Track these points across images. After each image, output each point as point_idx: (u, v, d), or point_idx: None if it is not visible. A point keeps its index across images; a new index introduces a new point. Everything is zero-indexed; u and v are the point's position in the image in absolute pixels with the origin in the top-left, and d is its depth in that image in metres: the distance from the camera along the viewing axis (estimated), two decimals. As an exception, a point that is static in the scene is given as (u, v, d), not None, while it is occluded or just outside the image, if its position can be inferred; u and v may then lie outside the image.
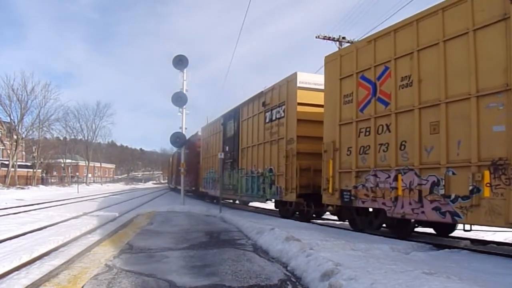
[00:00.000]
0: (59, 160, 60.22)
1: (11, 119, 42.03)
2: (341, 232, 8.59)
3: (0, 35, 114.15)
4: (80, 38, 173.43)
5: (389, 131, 7.41)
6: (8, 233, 8.65)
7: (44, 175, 55.64)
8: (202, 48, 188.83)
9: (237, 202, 20.07)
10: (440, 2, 6.60)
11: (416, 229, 8.29)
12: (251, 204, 18.55)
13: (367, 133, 7.93)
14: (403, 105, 7.16)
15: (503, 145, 5.49)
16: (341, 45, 21.26)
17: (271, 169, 12.16)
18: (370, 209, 8.19)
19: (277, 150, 11.77)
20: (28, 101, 41.96)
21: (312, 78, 11.16)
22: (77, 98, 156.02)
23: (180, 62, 17.47)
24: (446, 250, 6.42)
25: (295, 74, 11.08)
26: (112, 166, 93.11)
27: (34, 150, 49.70)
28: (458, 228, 7.71)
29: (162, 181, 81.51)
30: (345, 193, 8.46)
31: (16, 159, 42.30)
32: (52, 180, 56.28)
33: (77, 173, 65.42)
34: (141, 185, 67.88)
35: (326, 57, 9.55)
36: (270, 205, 15.76)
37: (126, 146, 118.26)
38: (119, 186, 56.83)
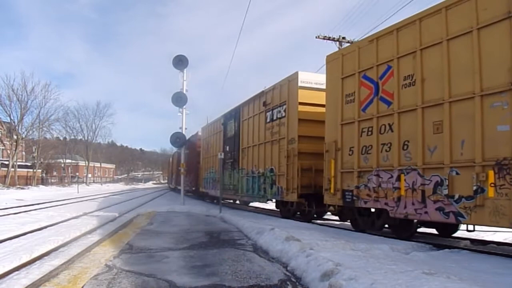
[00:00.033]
0: (59, 160, 60.20)
1: (11, 119, 42.07)
2: (341, 232, 8.57)
3: (0, 35, 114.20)
4: (80, 38, 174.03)
5: (392, 131, 7.35)
6: (8, 233, 8.61)
7: (44, 175, 55.59)
8: (202, 48, 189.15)
9: (237, 202, 20.01)
10: (443, 0, 6.54)
11: (418, 230, 8.23)
12: (251, 204, 18.49)
13: (370, 133, 7.87)
14: (406, 105, 7.10)
15: (508, 144, 5.43)
16: (341, 45, 21.27)
17: (272, 169, 12.10)
18: (372, 210, 8.13)
19: (278, 150, 11.71)
20: (28, 101, 42.06)
21: (313, 78, 11.10)
22: (77, 98, 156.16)
23: (180, 62, 17.45)
24: (446, 250, 6.40)
25: (296, 73, 11.02)
26: (112, 166, 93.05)
27: (34, 150, 49.69)
28: (460, 228, 7.69)
29: (162, 181, 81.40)
30: (347, 193, 8.40)
31: (16, 159, 42.24)
32: (52, 180, 56.22)
33: (77, 173, 65.44)
34: (141, 185, 67.80)
35: (327, 56, 9.50)
36: (270, 205, 15.73)
37: (126, 146, 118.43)
38: (119, 186, 56.75)
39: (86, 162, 62.48)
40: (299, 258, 5.08)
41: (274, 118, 12.15)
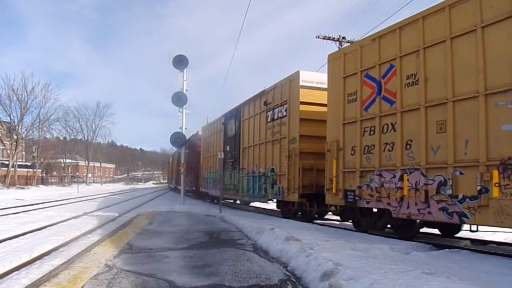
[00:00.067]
0: (59, 160, 60.10)
1: (11, 119, 42.08)
2: (341, 232, 8.56)
3: (0, 35, 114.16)
4: (80, 38, 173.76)
5: (395, 130, 7.29)
6: (8, 233, 8.57)
7: (44, 175, 55.56)
8: (202, 48, 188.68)
9: (238, 202, 19.96)
10: (446, -1, 6.49)
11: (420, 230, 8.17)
12: (251, 204, 18.44)
13: (372, 132, 7.81)
14: (409, 104, 7.05)
15: (513, 144, 5.37)
16: (341, 45, 21.30)
17: (273, 169, 12.04)
18: (375, 210, 8.07)
19: (279, 149, 11.65)
20: (28, 101, 42.10)
21: (314, 77, 11.05)
22: (77, 98, 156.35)
23: (180, 62, 17.42)
24: (446, 250, 6.38)
25: (298, 72, 10.96)
26: (112, 166, 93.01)
27: (34, 150, 49.66)
28: (463, 229, 7.64)
29: (162, 181, 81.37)
30: (349, 193, 8.34)
31: (16, 159, 42.22)
32: (52, 180, 56.18)
33: (77, 173, 65.37)
34: (141, 185, 67.74)
35: (329, 55, 9.44)
36: (270, 205, 15.69)
37: (126, 146, 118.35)
38: (119, 186, 56.70)
39: (86, 162, 62.47)
40: (299, 258, 5.07)
41: (275, 117, 12.10)
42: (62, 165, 62.74)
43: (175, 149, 27.13)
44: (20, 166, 45.45)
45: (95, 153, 67.20)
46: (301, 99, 10.72)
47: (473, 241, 7.50)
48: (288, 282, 4.35)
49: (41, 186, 43.02)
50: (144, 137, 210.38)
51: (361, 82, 8.20)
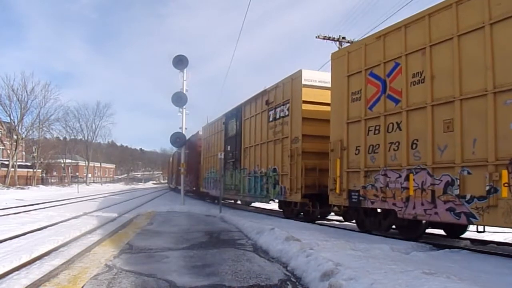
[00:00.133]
0: (59, 160, 60.00)
1: (11, 119, 41.98)
2: (341, 232, 8.54)
3: (0, 35, 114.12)
4: (80, 38, 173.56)
5: (400, 129, 7.18)
6: (8, 233, 8.56)
7: (44, 175, 55.46)
8: (202, 48, 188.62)
9: (238, 202, 19.85)
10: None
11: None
12: (252, 204, 18.34)
13: (377, 132, 7.70)
14: (414, 102, 6.93)
15: (522, 143, 5.26)
16: (341, 45, 21.35)
17: (275, 168, 11.93)
18: (379, 210, 7.95)
19: (281, 149, 11.54)
20: (28, 101, 41.98)
21: (317, 76, 10.94)
22: (77, 98, 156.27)
23: (180, 62, 17.36)
24: (446, 250, 6.35)
25: (300, 71, 10.85)
26: (112, 166, 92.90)
27: (34, 150, 49.56)
28: (469, 229, 7.54)
29: (162, 181, 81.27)
30: (353, 193, 8.22)
31: (16, 159, 42.13)
32: (52, 180, 56.09)
33: (77, 173, 65.25)
34: (141, 185, 67.65)
35: (332, 53, 9.34)
36: (271, 205, 15.61)
37: (126, 146, 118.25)
38: (119, 186, 56.61)
39: (86, 162, 62.37)
40: (299, 258, 5.07)
41: (277, 117, 11.98)
42: (62, 165, 62.65)
43: (175, 149, 27.03)
44: (20, 166, 45.35)
45: (95, 153, 67.10)
46: (304, 98, 10.60)
47: (473, 241, 7.47)
48: (288, 282, 4.35)
49: (41, 186, 42.92)
50: (144, 137, 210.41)
51: (365, 81, 8.09)
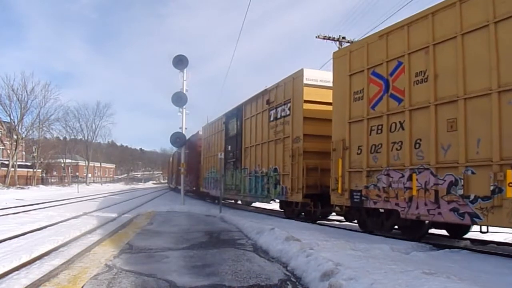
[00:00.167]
0: (59, 160, 59.96)
1: (11, 119, 41.94)
2: (341, 232, 8.51)
3: (0, 35, 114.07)
4: (80, 38, 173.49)
5: (403, 129, 7.12)
6: (8, 233, 8.53)
7: (44, 175, 55.42)
8: (202, 48, 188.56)
9: (239, 202, 19.79)
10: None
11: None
12: (252, 204, 18.28)
13: (379, 131, 7.64)
14: (417, 102, 6.87)
15: (528, 142, 5.21)
16: (341, 45, 21.37)
17: (275, 168, 11.87)
18: (381, 210, 7.89)
19: (282, 149, 11.48)
20: (28, 101, 41.96)
21: (318, 75, 10.88)
22: (77, 98, 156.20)
23: (180, 62, 17.31)
24: (446, 250, 6.32)
25: (301, 70, 10.79)
26: (112, 166, 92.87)
27: (34, 150, 49.53)
28: (471, 229, 7.50)
29: (162, 181, 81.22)
30: (355, 193, 8.16)
31: (16, 159, 42.08)
32: (52, 180, 56.05)
33: (77, 173, 65.20)
34: (141, 185, 67.59)
35: (334, 53, 9.29)
36: (271, 205, 15.55)
37: (126, 146, 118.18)
38: (119, 186, 56.55)
39: (86, 162, 62.33)
40: (299, 258, 5.06)
41: (278, 116, 11.92)
42: (62, 165, 62.60)
43: (175, 149, 26.99)
44: (20, 166, 45.30)
45: (95, 153, 67.06)
46: (305, 98, 10.54)
47: (473, 241, 7.44)
48: (288, 282, 4.33)
49: (41, 186, 42.88)
50: (144, 137, 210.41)
51: (367, 80, 8.03)
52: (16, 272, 5.32)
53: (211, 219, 11.65)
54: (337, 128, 8.83)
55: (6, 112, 41.07)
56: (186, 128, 17.80)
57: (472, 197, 5.83)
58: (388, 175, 7.35)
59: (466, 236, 7.76)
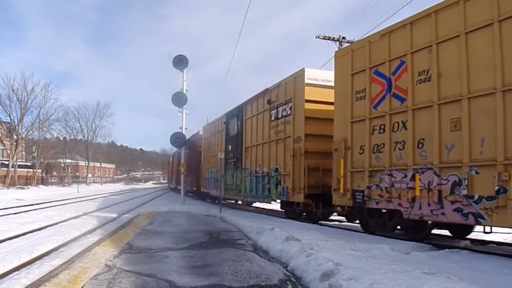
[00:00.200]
0: (59, 160, 59.91)
1: (11, 119, 41.91)
2: (341, 232, 8.50)
3: (0, 35, 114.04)
4: (80, 38, 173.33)
5: (406, 129, 7.06)
6: (8, 233, 8.51)
7: (44, 175, 55.38)
8: (202, 48, 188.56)
9: (239, 202, 19.74)
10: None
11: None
12: (253, 204, 18.23)
13: (382, 131, 7.58)
14: (421, 101, 6.81)
15: (533, 142, 5.15)
16: (341, 45, 21.38)
17: (276, 168, 11.81)
18: (384, 210, 7.83)
19: (283, 149, 11.42)
20: (28, 101, 41.92)
21: (320, 74, 10.82)
22: (77, 98, 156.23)
23: (180, 62, 17.28)
24: (446, 250, 6.30)
25: (303, 70, 10.73)
26: (112, 166, 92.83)
27: (34, 150, 49.49)
28: (475, 230, 7.45)
29: (162, 181, 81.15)
30: (357, 193, 8.11)
31: (16, 159, 42.04)
32: (52, 180, 56.00)
33: (77, 173, 65.17)
34: (141, 185, 67.54)
35: (336, 52, 9.24)
36: (272, 205, 15.50)
37: (126, 146, 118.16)
38: (119, 186, 56.50)
39: (86, 162, 62.28)
40: (299, 258, 5.06)
41: (279, 116, 11.87)
42: (62, 165, 62.56)
43: (175, 149, 26.93)
44: (20, 166, 45.26)
45: (95, 153, 67.01)
46: (307, 97, 10.48)
47: (473, 241, 7.40)
48: (288, 282, 4.33)
49: (41, 186, 42.83)
50: (144, 137, 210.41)
51: (370, 79, 7.97)
52: (16, 272, 5.32)
53: (211, 219, 11.62)
54: (339, 127, 8.77)
55: (6, 112, 41.13)
56: (186, 128, 17.82)
57: (476, 197, 5.77)
58: (390, 175, 7.29)
59: (466, 236, 7.72)
